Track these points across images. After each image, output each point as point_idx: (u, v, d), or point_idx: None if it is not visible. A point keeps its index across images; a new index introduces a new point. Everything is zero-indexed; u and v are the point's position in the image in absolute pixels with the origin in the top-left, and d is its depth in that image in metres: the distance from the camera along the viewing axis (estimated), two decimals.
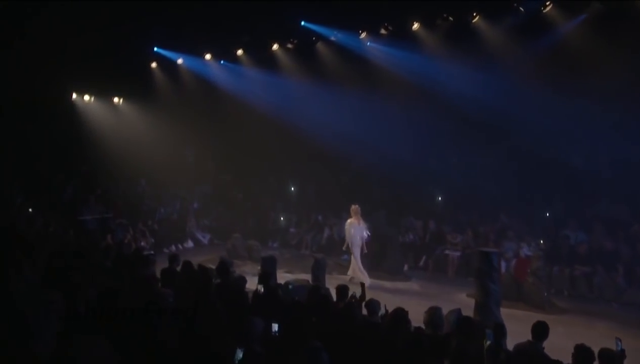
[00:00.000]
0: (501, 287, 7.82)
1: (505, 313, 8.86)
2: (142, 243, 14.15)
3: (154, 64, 15.53)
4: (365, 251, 11.12)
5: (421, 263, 12.92)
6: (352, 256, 11.04)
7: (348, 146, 13.94)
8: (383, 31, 11.79)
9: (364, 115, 13.54)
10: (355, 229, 11.10)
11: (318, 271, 9.19)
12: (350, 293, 6.42)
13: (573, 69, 10.06)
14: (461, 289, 11.36)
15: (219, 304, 5.41)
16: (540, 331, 4.99)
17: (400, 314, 4.92)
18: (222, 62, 15.12)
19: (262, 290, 6.16)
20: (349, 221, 11.36)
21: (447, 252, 12.57)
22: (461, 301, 10.75)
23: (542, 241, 11.17)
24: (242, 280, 6.58)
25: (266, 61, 14.23)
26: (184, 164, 18.05)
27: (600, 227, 11.55)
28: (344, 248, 11.41)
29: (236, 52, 14.25)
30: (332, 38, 12.89)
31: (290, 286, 8.10)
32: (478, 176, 13.03)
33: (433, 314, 5.37)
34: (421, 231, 13.33)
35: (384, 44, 12.24)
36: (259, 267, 12.17)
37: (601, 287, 10.53)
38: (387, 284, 11.48)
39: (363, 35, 12.26)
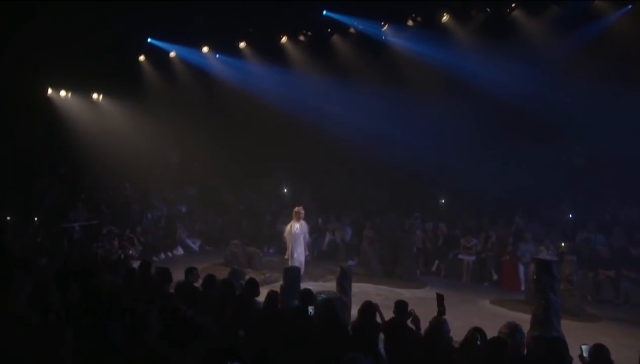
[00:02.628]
0: (562, 298, 7.28)
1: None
2: (131, 252, 13.08)
3: (142, 57, 14.38)
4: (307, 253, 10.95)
5: (434, 268, 12.34)
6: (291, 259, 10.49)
7: (361, 145, 13.29)
8: (410, 22, 11.22)
9: (381, 112, 12.95)
10: (298, 230, 10.63)
11: (344, 280, 8.41)
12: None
13: (618, 61, 9.78)
14: (481, 295, 10.85)
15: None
16: None
17: (499, 344, 4.21)
18: (217, 55, 14.16)
19: (312, 312, 5.36)
20: (290, 223, 10.79)
21: (461, 256, 12.02)
22: (486, 308, 10.28)
23: (563, 244, 10.75)
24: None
25: (273, 54, 13.43)
26: (169, 165, 16.96)
27: (619, 229, 11.25)
28: (286, 256, 10.80)
29: (238, 44, 13.33)
30: (351, 30, 12.25)
31: (319, 298, 7.26)
32: (493, 176, 12.56)
33: (514, 332, 4.71)
34: (432, 234, 12.74)
35: (409, 35, 11.69)
36: (263, 276, 11.51)
37: (627, 291, 10.20)
38: (404, 292, 10.79)
39: (385, 27, 11.69)
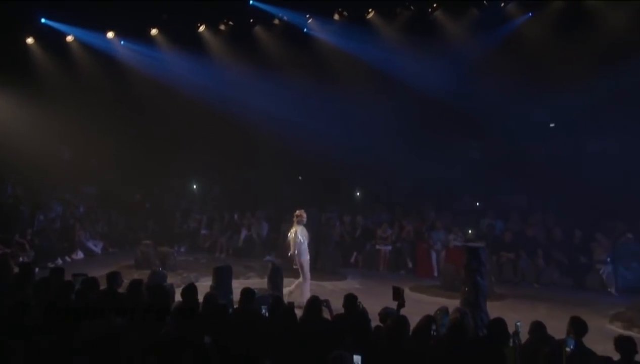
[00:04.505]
0: (488, 282, 7.82)
1: (453, 304, 9.00)
2: (22, 258, 11.67)
3: (30, 40, 12.75)
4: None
5: (352, 260, 12.64)
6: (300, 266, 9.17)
7: (277, 138, 13.13)
8: (336, 17, 11.26)
9: (300, 105, 12.87)
10: (301, 236, 9.15)
11: (276, 277, 8.27)
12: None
13: (524, 62, 10.74)
14: (399, 283, 11.10)
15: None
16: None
17: (459, 329, 4.40)
18: (122, 42, 13.06)
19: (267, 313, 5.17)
20: (294, 228, 9.30)
21: (377, 247, 12.45)
22: (407, 295, 10.57)
23: (470, 231, 11.61)
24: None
25: (190, 43, 12.68)
26: (63, 161, 15.37)
27: (516, 215, 12.44)
28: (294, 266, 9.21)
29: (150, 31, 12.36)
30: (276, 21, 11.98)
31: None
32: (406, 168, 13.17)
33: (464, 316, 4.98)
34: (349, 226, 13.03)
35: (335, 29, 11.73)
36: (180, 276, 10.93)
37: (524, 270, 11.31)
38: (327, 284, 10.93)
39: (310, 20, 11.62)
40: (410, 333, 4.88)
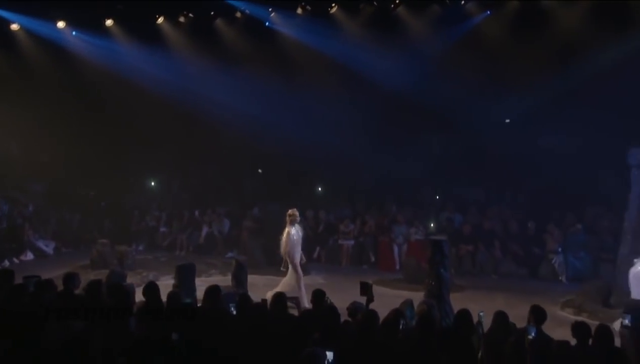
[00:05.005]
0: (451, 274, 7.99)
1: (416, 296, 9.18)
2: None
3: None
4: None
5: (315, 255, 12.63)
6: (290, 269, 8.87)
7: (238, 132, 12.93)
8: (299, 10, 11.14)
9: (262, 100, 12.73)
10: (296, 236, 8.92)
11: (241, 274, 8.16)
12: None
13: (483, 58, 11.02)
14: (362, 277, 11.23)
15: None
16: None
17: (428, 321, 4.46)
18: (74, 33, 12.45)
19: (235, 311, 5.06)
20: (287, 229, 8.93)
21: (340, 241, 12.50)
22: (374, 290, 10.85)
23: (432, 225, 11.84)
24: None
25: (147, 36, 12.24)
26: (9, 157, 14.58)
27: (474, 209, 12.79)
28: (282, 268, 8.94)
29: (105, 22, 11.83)
30: (238, 14, 11.74)
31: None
32: (368, 163, 13.28)
33: (431, 309, 5.06)
34: (312, 221, 13.02)
35: (298, 23, 11.61)
36: (140, 275, 10.61)
37: (482, 262, 11.65)
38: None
39: (273, 14, 11.46)
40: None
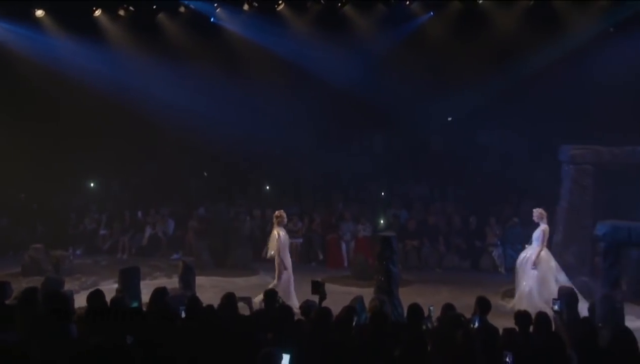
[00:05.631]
0: (399, 270, 8.13)
1: (365, 292, 9.32)
2: None
3: None
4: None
5: (263, 254, 12.46)
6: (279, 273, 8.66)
7: (181, 130, 12.56)
8: (246, 7, 10.93)
9: (207, 96, 12.42)
10: (284, 238, 8.76)
11: (189, 276, 7.93)
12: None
13: (429, 58, 11.29)
14: (311, 275, 11.31)
15: None
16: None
17: (381, 318, 4.52)
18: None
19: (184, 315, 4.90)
20: (275, 230, 8.73)
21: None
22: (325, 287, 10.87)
23: (382, 221, 12.04)
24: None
25: (83, 28, 11.57)
26: None
27: (419, 205, 13.12)
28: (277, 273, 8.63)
29: (34, 12, 11.06)
30: (182, 9, 11.34)
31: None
32: (315, 160, 13.32)
33: (383, 305, 5.14)
34: (260, 220, 12.88)
35: (245, 19, 11.39)
36: (78, 281, 10.09)
37: (427, 257, 11.98)
38: (240, 281, 10.75)
39: (219, 9, 11.18)
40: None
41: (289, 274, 8.57)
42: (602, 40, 11.69)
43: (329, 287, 10.04)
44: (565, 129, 11.98)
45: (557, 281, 8.29)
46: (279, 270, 8.43)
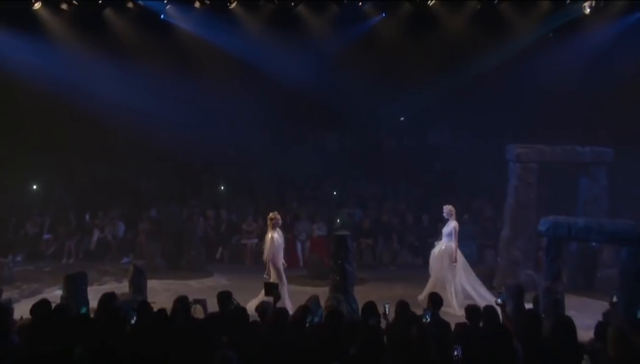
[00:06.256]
0: (355, 268, 8.18)
1: (321, 292, 9.35)
2: None
3: None
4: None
5: (218, 255, 12.33)
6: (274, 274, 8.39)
7: (130, 130, 12.17)
8: (197, 4, 10.64)
9: (156, 95, 12.08)
10: (279, 241, 8.51)
11: (140, 280, 7.68)
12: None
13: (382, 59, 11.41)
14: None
15: None
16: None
17: (336, 316, 4.53)
18: None
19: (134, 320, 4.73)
20: (269, 233, 8.48)
21: (243, 241, 12.32)
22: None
23: (338, 220, 12.11)
24: None
25: (23, 21, 10.94)
26: None
27: (372, 203, 13.30)
28: (265, 275, 8.41)
29: None
30: (130, 4, 10.91)
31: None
32: (269, 160, 13.24)
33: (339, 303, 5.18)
34: (214, 221, 12.68)
35: (196, 17, 11.11)
36: (19, 289, 9.55)
37: (382, 255, 12.16)
38: (194, 283, 10.55)
39: (169, 6, 10.86)
40: None
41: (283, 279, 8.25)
42: (543, 44, 12.26)
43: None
44: (512, 128, 12.50)
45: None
46: (277, 273, 8.15)
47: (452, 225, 8.81)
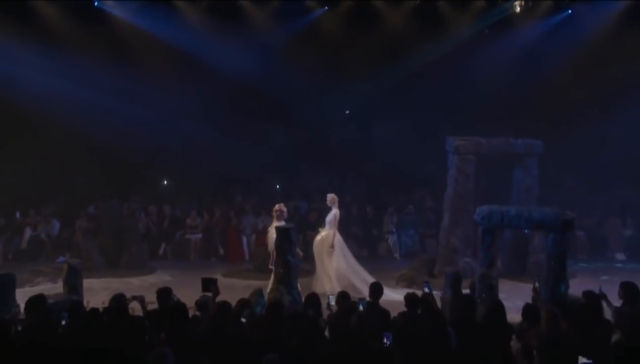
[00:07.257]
0: (300, 261, 8.19)
1: (266, 285, 9.32)
2: None
3: None
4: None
5: (161, 251, 12.01)
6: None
7: (63, 122, 11.57)
8: None
9: (91, 86, 11.54)
10: None
11: (75, 279, 7.35)
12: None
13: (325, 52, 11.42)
14: (212, 271, 11.00)
15: None
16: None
17: (277, 308, 4.54)
18: None
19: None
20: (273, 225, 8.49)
21: (187, 236, 12.07)
22: (220, 282, 10.36)
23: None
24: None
25: None
26: None
27: (318, 196, 13.34)
28: (270, 265, 8.31)
29: None
30: None
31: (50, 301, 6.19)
32: (212, 154, 13.01)
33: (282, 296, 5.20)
34: (156, 217, 12.33)
35: (134, 7, 10.66)
36: None
37: None
38: (135, 280, 10.23)
39: None
40: None
41: None
42: (478, 41, 12.75)
43: (229, 282, 10.09)
44: (452, 121, 12.91)
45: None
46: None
47: (332, 212, 9.08)
